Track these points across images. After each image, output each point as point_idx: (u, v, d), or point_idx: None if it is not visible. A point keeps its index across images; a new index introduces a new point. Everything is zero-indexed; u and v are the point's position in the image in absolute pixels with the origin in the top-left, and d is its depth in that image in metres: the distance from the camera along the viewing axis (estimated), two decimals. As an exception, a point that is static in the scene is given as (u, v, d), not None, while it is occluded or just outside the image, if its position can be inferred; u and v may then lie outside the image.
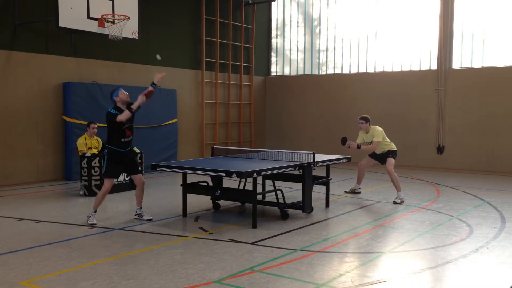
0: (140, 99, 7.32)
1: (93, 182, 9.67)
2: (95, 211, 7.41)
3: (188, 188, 7.94)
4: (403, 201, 9.19)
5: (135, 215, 7.75)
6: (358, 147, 9.38)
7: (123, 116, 7.20)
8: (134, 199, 9.54)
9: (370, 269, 5.44)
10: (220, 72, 15.99)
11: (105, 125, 12.14)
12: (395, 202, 9.14)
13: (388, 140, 9.61)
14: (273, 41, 18.20)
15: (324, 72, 17.34)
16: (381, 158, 9.64)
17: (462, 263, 5.62)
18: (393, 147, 9.59)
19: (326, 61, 17.34)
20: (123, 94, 7.40)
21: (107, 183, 7.39)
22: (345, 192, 10.10)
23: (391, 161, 9.43)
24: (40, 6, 11.34)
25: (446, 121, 14.65)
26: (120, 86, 12.71)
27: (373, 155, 9.77)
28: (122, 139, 7.37)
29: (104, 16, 11.08)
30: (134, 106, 7.30)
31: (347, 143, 9.32)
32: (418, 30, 15.24)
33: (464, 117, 14.37)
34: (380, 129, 9.53)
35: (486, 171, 13.66)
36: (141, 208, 7.72)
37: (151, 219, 7.60)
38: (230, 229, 7.08)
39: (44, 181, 11.59)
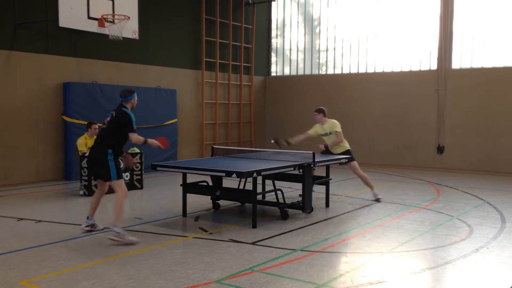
0: (153, 142, 6.75)
1: (93, 182, 9.66)
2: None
3: (188, 188, 7.94)
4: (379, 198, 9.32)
5: (86, 227, 6.78)
6: (326, 147, 9.23)
7: (137, 140, 6.52)
8: (133, 198, 9.59)
9: (370, 269, 5.44)
10: (220, 72, 15.99)
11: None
12: (378, 199, 9.22)
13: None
14: (273, 41, 18.20)
15: (324, 72, 17.34)
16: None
17: (462, 263, 5.62)
18: (347, 145, 9.33)
19: (326, 61, 17.34)
20: (135, 101, 6.76)
21: (123, 184, 6.55)
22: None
23: (355, 164, 9.23)
24: (40, 6, 11.34)
25: (446, 121, 14.65)
26: (120, 86, 12.83)
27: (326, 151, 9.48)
28: (123, 144, 6.77)
29: (104, 16, 11.07)
30: (150, 141, 6.69)
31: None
32: (418, 30, 15.24)
33: (464, 117, 14.37)
34: (337, 122, 9.29)
35: (486, 171, 13.66)
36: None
37: (103, 229, 6.81)
38: (230, 229, 7.08)
39: (44, 181, 11.59)
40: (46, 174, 11.73)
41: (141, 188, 10.53)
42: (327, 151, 9.29)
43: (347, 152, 9.23)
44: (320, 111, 9.28)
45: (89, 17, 10.88)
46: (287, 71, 18.06)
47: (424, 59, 15.25)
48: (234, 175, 6.89)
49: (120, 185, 6.46)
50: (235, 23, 16.43)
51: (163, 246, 6.18)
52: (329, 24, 16.97)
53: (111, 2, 11.22)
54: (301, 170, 7.78)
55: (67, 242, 6.34)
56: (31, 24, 11.27)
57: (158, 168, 7.80)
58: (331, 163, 8.85)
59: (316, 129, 9.38)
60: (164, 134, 13.88)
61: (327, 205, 8.76)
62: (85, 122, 10.86)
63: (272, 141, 9.14)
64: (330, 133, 9.24)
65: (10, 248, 6.01)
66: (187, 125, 15.05)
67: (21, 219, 7.66)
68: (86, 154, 9.77)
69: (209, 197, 8.44)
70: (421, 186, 11.38)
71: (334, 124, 9.20)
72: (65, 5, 10.42)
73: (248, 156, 9.19)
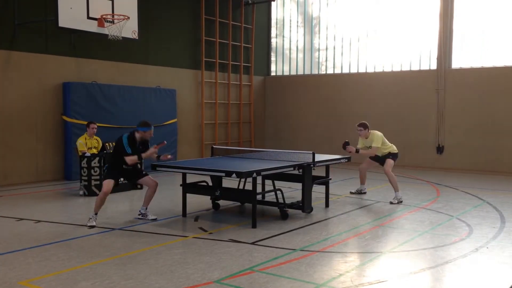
0: (150, 152, 7.46)
1: (93, 182, 9.68)
2: (96, 214, 7.24)
3: (188, 188, 7.94)
4: (401, 201, 9.13)
5: (139, 214, 7.67)
6: (357, 151, 9.28)
7: (130, 161, 7.32)
8: (133, 199, 9.60)
9: (370, 269, 5.44)
10: (220, 72, 15.99)
11: (105, 125, 12.19)
12: (391, 203, 9.07)
13: (389, 144, 9.45)
14: (273, 41, 18.20)
15: (324, 72, 17.34)
16: (382, 160, 9.54)
17: (461, 263, 5.62)
18: (394, 149, 9.44)
19: (326, 61, 17.34)
20: (148, 134, 7.47)
21: (106, 184, 7.27)
22: (351, 192, 10.02)
23: (389, 162, 9.29)
24: (39, 6, 11.34)
25: (446, 121, 14.65)
26: (120, 86, 12.84)
27: (374, 158, 9.66)
28: (124, 166, 7.46)
29: (104, 16, 11.08)
30: (144, 155, 7.43)
31: (348, 147, 9.25)
32: (418, 29, 15.24)
33: (464, 117, 14.37)
34: (380, 134, 9.35)
35: (486, 171, 13.66)
36: (147, 208, 7.65)
37: (155, 219, 7.56)
38: (230, 229, 7.08)
39: (44, 181, 11.58)
40: (46, 174, 11.73)
41: (141, 188, 10.51)
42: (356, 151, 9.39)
43: (393, 154, 9.40)
44: (364, 126, 9.37)
45: (88, 17, 10.90)
46: (286, 71, 18.06)
47: (424, 59, 15.24)
48: (234, 175, 6.90)
49: (104, 184, 7.37)
50: (235, 23, 16.43)
51: (163, 246, 6.18)
52: (329, 24, 16.98)
53: (110, 2, 11.24)
54: (301, 170, 7.78)
55: (66, 242, 6.35)
56: (30, 24, 11.26)
57: (158, 168, 7.80)
58: (331, 163, 8.85)
59: (361, 142, 9.55)
60: (164, 134, 13.89)
61: (327, 205, 8.76)
62: (85, 122, 10.87)
63: (347, 148, 9.24)
64: (370, 147, 9.41)
65: (10, 248, 6.02)
66: (186, 125, 15.04)
67: (21, 219, 7.66)
68: (86, 154, 9.79)
69: (209, 197, 8.44)
70: (421, 186, 11.38)
71: (374, 139, 9.28)
72: (65, 5, 10.43)
73: (248, 156, 9.19)
